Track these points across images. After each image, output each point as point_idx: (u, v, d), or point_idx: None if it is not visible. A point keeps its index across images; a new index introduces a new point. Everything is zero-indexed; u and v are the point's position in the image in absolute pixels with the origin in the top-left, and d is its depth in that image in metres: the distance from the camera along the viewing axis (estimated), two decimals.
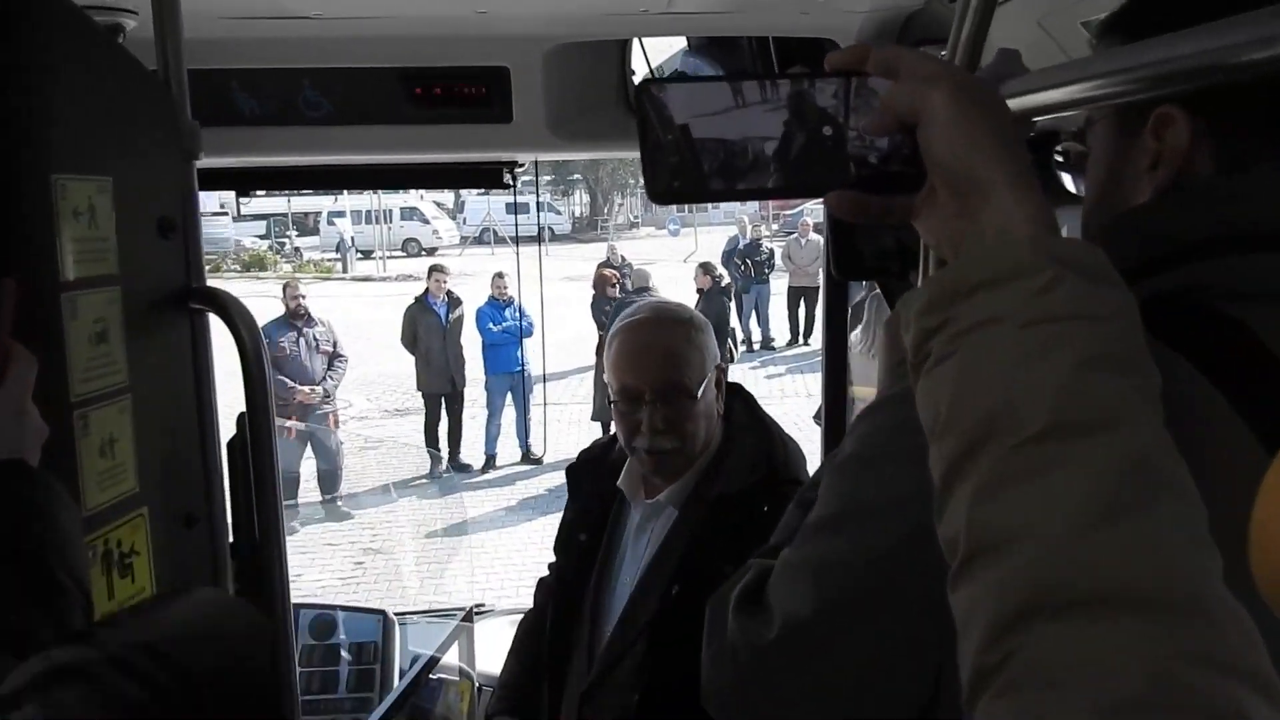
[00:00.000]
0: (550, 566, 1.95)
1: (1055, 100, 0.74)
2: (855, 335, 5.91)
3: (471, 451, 9.15)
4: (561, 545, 1.88)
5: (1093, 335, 0.56)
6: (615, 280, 10.06)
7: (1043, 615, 0.49)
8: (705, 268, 11.00)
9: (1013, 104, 0.75)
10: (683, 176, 0.67)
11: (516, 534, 7.26)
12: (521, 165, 2.42)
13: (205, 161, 1.28)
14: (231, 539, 1.29)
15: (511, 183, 2.41)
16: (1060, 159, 0.94)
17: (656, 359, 1.70)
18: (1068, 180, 0.95)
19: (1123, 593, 0.49)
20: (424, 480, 8.21)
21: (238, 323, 1.21)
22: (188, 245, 1.22)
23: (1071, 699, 0.47)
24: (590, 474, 1.88)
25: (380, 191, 25.85)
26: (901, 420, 0.71)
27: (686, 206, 38.11)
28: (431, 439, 9.04)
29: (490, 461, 8.97)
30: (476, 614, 2.53)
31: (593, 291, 10.72)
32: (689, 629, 1.62)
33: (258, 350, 1.21)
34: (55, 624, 0.79)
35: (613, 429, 1.86)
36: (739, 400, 1.84)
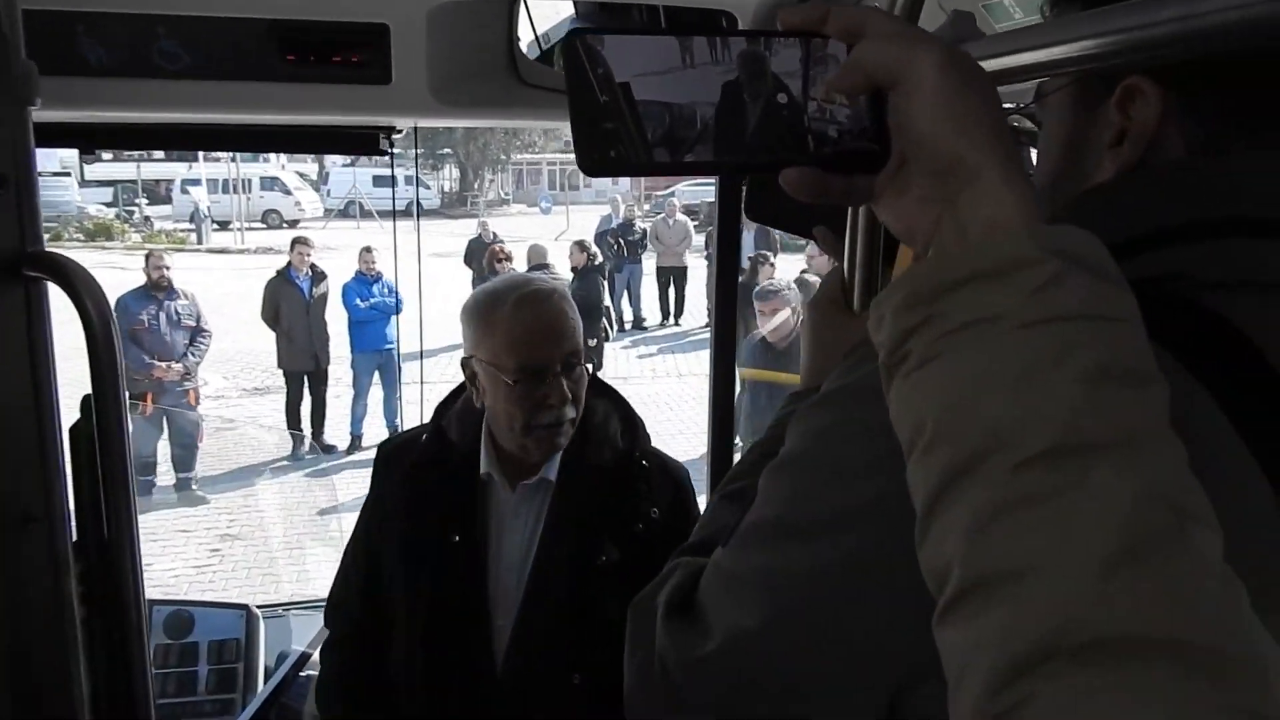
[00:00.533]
0: (344, 588, 1.82)
1: (1015, 64, 0.68)
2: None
3: (336, 432, 8.85)
4: (409, 554, 1.70)
5: (1103, 339, 0.49)
6: (503, 256, 9.88)
7: (1062, 658, 0.43)
8: (581, 246, 10.90)
9: None
10: (620, 145, 0.57)
11: None
12: (400, 131, 2.29)
13: (45, 115, 1.13)
14: (75, 537, 1.15)
15: (389, 149, 2.28)
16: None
17: (560, 331, 1.68)
18: None
19: (1156, 636, 0.43)
20: (286, 462, 7.90)
21: (82, 294, 1.07)
22: (21, 204, 1.06)
23: None
24: (416, 475, 1.74)
25: (239, 159, 24.85)
26: (853, 419, 0.66)
27: (558, 184, 38.00)
28: (293, 419, 8.72)
29: (356, 443, 8.70)
30: None
31: (470, 269, 10.54)
32: (602, 604, 1.63)
33: (106, 325, 1.07)
34: None
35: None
36: None
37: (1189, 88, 0.67)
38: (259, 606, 2.35)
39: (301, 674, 2.16)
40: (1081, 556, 0.45)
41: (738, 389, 5.77)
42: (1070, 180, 0.74)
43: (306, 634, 2.44)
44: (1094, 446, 0.46)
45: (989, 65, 0.69)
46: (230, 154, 25.84)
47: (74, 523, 1.15)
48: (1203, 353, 0.60)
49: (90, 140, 1.99)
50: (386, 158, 2.27)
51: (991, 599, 0.47)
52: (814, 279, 8.75)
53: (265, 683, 2.14)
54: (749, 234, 13.97)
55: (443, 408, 1.83)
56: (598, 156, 0.57)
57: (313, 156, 34.76)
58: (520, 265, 10.41)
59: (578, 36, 0.57)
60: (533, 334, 1.66)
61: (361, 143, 2.22)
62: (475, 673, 1.66)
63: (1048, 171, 0.77)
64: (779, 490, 0.70)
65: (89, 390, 1.13)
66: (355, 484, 7.70)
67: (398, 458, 1.78)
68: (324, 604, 2.45)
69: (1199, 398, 0.58)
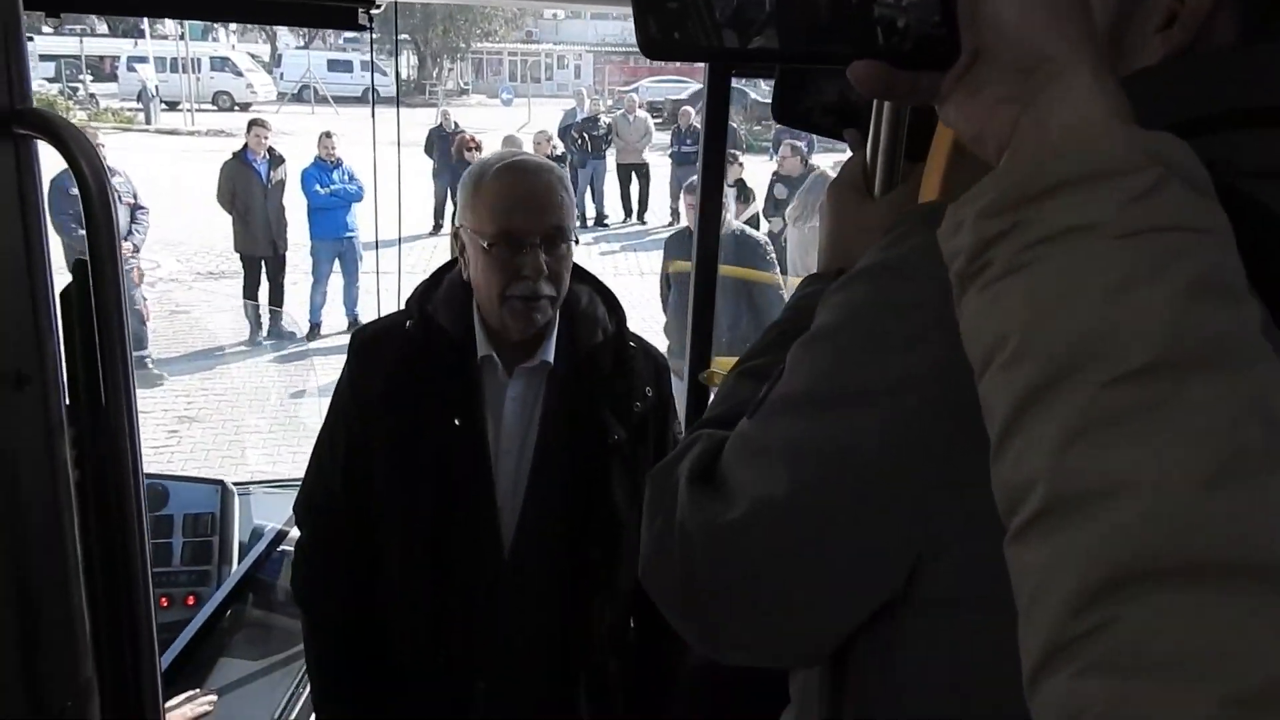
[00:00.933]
0: (321, 487, 1.76)
1: None
2: (792, 207, 5.89)
3: (294, 319, 8.77)
4: (405, 444, 1.67)
5: (1200, 253, 0.47)
6: (474, 145, 9.72)
7: (1152, 581, 0.42)
8: (544, 137, 10.74)
9: None
10: (688, 24, 0.52)
11: None
12: (379, 6, 2.22)
13: None
14: (68, 402, 1.14)
15: (368, 25, 2.22)
16: None
17: (543, 203, 1.64)
18: None
19: (1257, 560, 0.41)
20: (243, 347, 7.83)
21: (75, 152, 1.04)
22: (9, 59, 1.03)
23: (1190, 684, 0.40)
24: (406, 364, 1.70)
25: (188, 38, 23.91)
26: (892, 293, 0.66)
27: (518, 75, 37.11)
28: (250, 304, 8.63)
29: (315, 330, 8.63)
30: None
31: (430, 159, 10.34)
32: (606, 482, 1.68)
33: (101, 185, 1.05)
34: None
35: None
36: None
37: None
38: (234, 484, 2.37)
39: (277, 550, 2.19)
40: (1177, 475, 0.43)
41: (666, 285, 5.70)
42: (1114, 66, 0.73)
43: (277, 511, 2.46)
44: (1192, 362, 0.45)
45: None
46: (179, 32, 24.88)
47: (66, 388, 1.14)
48: (1242, 236, 0.61)
49: (56, 2, 1.92)
50: (340, 42, 2.21)
51: (1079, 516, 0.45)
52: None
53: (239, 557, 2.16)
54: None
55: (424, 294, 1.77)
56: (661, 36, 0.53)
57: (264, 37, 33.55)
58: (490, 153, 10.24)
59: None
60: (514, 201, 1.63)
61: (338, 16, 2.15)
62: (483, 557, 1.67)
63: None
64: (811, 363, 0.71)
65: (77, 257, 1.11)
66: (314, 371, 7.67)
67: (377, 348, 1.72)
68: (293, 484, 2.46)
69: None
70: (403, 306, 1.83)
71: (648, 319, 9.14)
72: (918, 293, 0.63)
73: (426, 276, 1.81)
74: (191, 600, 2.15)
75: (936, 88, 0.57)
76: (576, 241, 1.70)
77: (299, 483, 2.48)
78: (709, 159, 2.22)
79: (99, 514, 1.19)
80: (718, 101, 2.15)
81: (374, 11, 2.19)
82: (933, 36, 0.54)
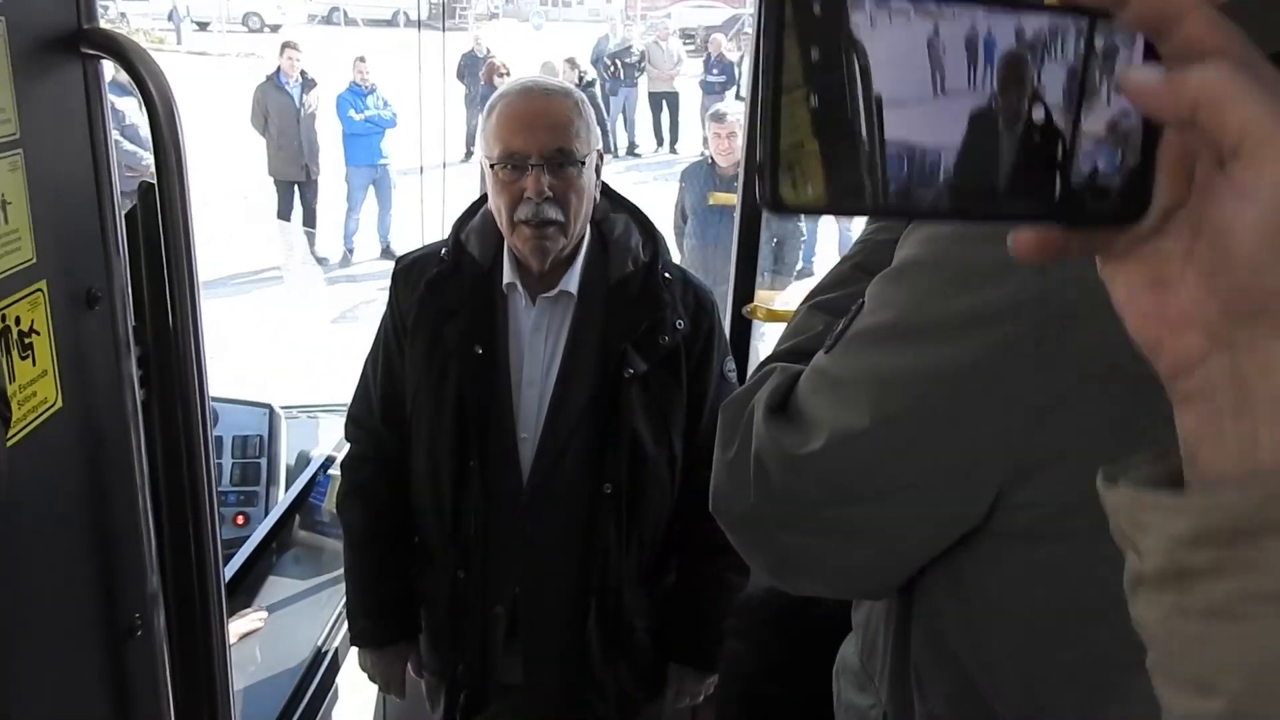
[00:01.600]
0: (364, 405, 1.85)
1: None
2: None
3: (328, 245, 8.79)
4: (431, 367, 1.72)
5: None
6: (503, 71, 9.62)
7: None
8: (571, 63, 10.57)
9: None
10: (858, 178, 0.37)
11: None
12: None
13: None
14: (133, 322, 1.16)
15: None
16: None
17: (546, 124, 1.63)
18: None
19: None
20: (276, 271, 7.86)
21: (142, 73, 1.05)
22: None
23: None
24: (436, 288, 1.73)
25: None
26: (971, 230, 0.66)
27: (551, 0, 36.50)
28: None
29: (348, 256, 8.66)
30: None
31: (463, 85, 10.25)
32: (628, 415, 1.69)
33: (169, 106, 1.06)
34: None
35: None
36: (603, 187, 1.81)
37: None
38: (281, 407, 2.41)
39: (324, 474, 2.22)
40: None
41: (681, 217, 5.62)
42: None
43: (317, 436, 2.50)
44: None
45: None
46: None
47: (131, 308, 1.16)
48: None
49: None
50: None
51: None
52: None
53: (296, 479, 2.21)
54: (748, 62, 13.58)
55: (461, 222, 1.80)
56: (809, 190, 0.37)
57: None
58: None
59: None
60: (518, 122, 1.63)
61: None
62: (503, 484, 1.71)
63: None
64: (897, 294, 0.71)
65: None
66: (347, 296, 7.70)
67: (415, 272, 1.76)
68: (332, 408, 2.50)
69: None
70: (420, 236, 1.87)
71: (676, 250, 9.12)
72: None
73: (467, 207, 1.82)
74: (241, 520, 2.20)
75: (1107, 244, 0.42)
76: (599, 170, 1.70)
77: (338, 407, 2.51)
78: (756, 92, 2.19)
79: (164, 432, 1.22)
80: (771, 25, 2.11)
81: None
82: (1123, 185, 0.40)
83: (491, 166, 1.65)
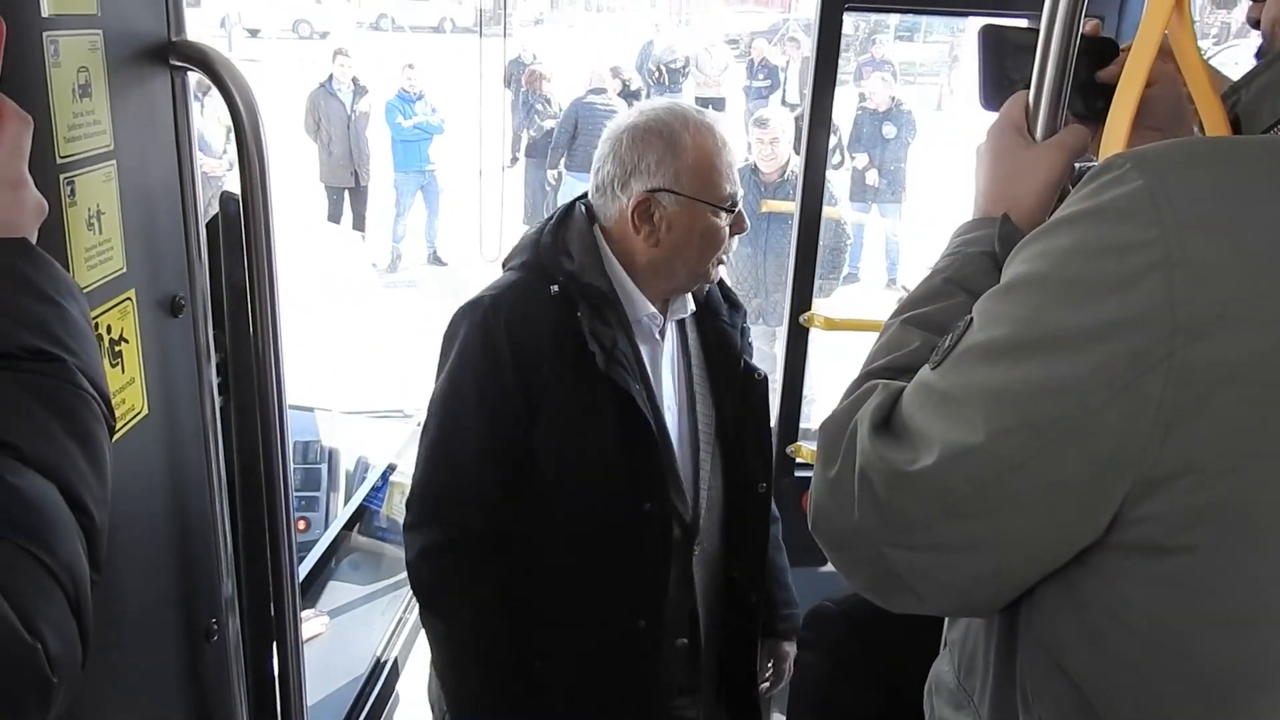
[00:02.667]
0: (465, 481, 1.59)
1: None
2: None
3: (378, 251, 8.87)
4: (590, 419, 1.57)
5: None
6: (546, 77, 9.66)
7: None
8: (614, 72, 10.47)
9: None
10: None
11: (429, 334, 7.12)
12: None
13: None
14: (213, 330, 1.17)
15: None
16: None
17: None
18: None
19: None
20: (329, 276, 7.93)
21: (230, 86, 1.06)
22: None
23: None
24: (566, 324, 1.56)
25: None
26: (1101, 237, 0.65)
27: (595, 6, 36.63)
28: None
29: (396, 260, 8.74)
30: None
31: (511, 91, 10.29)
32: (761, 413, 1.75)
33: (254, 119, 1.07)
34: (80, 434, 0.68)
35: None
36: None
37: None
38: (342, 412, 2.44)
39: (385, 481, 2.24)
40: None
41: None
42: None
43: (376, 441, 2.51)
44: None
45: None
46: None
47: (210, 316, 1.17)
48: None
49: None
50: None
51: None
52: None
53: (357, 486, 2.22)
54: (794, 68, 13.55)
55: (557, 254, 1.60)
56: None
57: None
58: (561, 86, 10.17)
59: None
60: (727, 165, 1.60)
61: None
62: (673, 517, 1.62)
63: None
64: (1013, 310, 0.70)
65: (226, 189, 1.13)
66: (395, 301, 7.77)
67: (528, 317, 1.56)
68: (386, 414, 2.51)
69: None
70: (504, 255, 1.70)
71: None
72: (1137, 235, 0.63)
73: (538, 232, 1.66)
74: (303, 525, 2.22)
75: None
76: None
77: (393, 413, 2.51)
78: (817, 98, 2.18)
79: (241, 439, 1.23)
80: (830, 38, 2.10)
81: None
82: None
83: (728, 210, 1.59)
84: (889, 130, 8.26)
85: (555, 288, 1.56)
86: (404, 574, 1.99)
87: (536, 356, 1.54)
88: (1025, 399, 0.67)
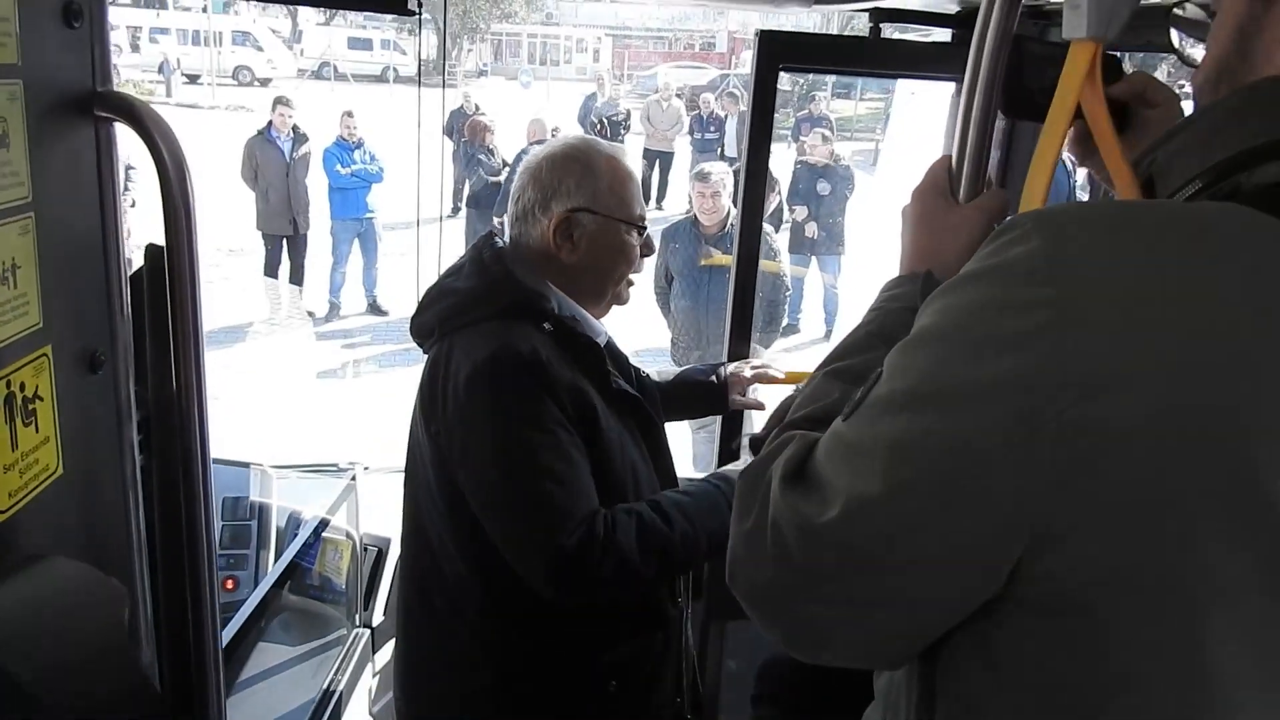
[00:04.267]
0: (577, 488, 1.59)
1: None
2: None
3: (315, 300, 8.77)
4: (611, 435, 1.69)
5: None
6: (490, 128, 9.66)
7: None
8: (538, 125, 10.41)
9: None
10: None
11: (367, 385, 7.05)
12: None
13: None
14: (136, 387, 1.14)
15: (418, 9, 2.21)
16: (1177, 18, 0.89)
17: None
18: (1176, 40, 0.91)
19: None
20: (263, 326, 7.83)
21: (155, 136, 1.04)
22: (94, 40, 1.02)
23: None
24: (571, 354, 1.65)
25: (210, 10, 23.91)
26: (1003, 295, 0.66)
27: (537, 57, 37.01)
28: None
29: (334, 310, 8.64)
30: (363, 470, 2.42)
31: (452, 141, 10.28)
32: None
33: (180, 171, 1.05)
34: None
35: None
36: None
37: None
38: (271, 466, 2.37)
39: (317, 538, 2.18)
40: None
41: (665, 278, 5.58)
42: (1236, 72, 0.74)
43: (310, 496, 2.46)
44: None
45: None
46: (202, 5, 24.85)
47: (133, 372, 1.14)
48: None
49: None
50: (360, 20, 2.19)
51: None
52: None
53: (289, 543, 2.16)
54: (732, 122, 13.76)
55: (539, 296, 1.65)
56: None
57: (285, 13, 33.51)
58: (507, 138, 10.21)
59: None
60: (638, 186, 1.76)
61: (388, 0, 2.14)
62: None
63: (1215, 60, 0.77)
64: (916, 362, 0.71)
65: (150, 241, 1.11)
66: (335, 351, 7.67)
67: (547, 358, 1.58)
68: (330, 468, 2.46)
69: None
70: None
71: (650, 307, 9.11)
72: (1033, 295, 0.64)
73: (484, 277, 1.67)
74: (230, 584, 2.15)
75: None
76: None
77: (328, 468, 2.45)
78: (753, 152, 2.20)
79: (164, 499, 1.19)
80: (765, 95, 2.13)
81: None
82: None
83: (639, 230, 1.74)
84: (823, 187, 8.42)
85: (548, 325, 1.63)
86: (339, 631, 1.94)
87: (572, 392, 1.59)
88: (923, 452, 0.68)
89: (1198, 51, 0.85)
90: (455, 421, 1.58)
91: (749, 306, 2.28)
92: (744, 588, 0.79)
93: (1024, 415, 0.63)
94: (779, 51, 2.05)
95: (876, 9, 2.06)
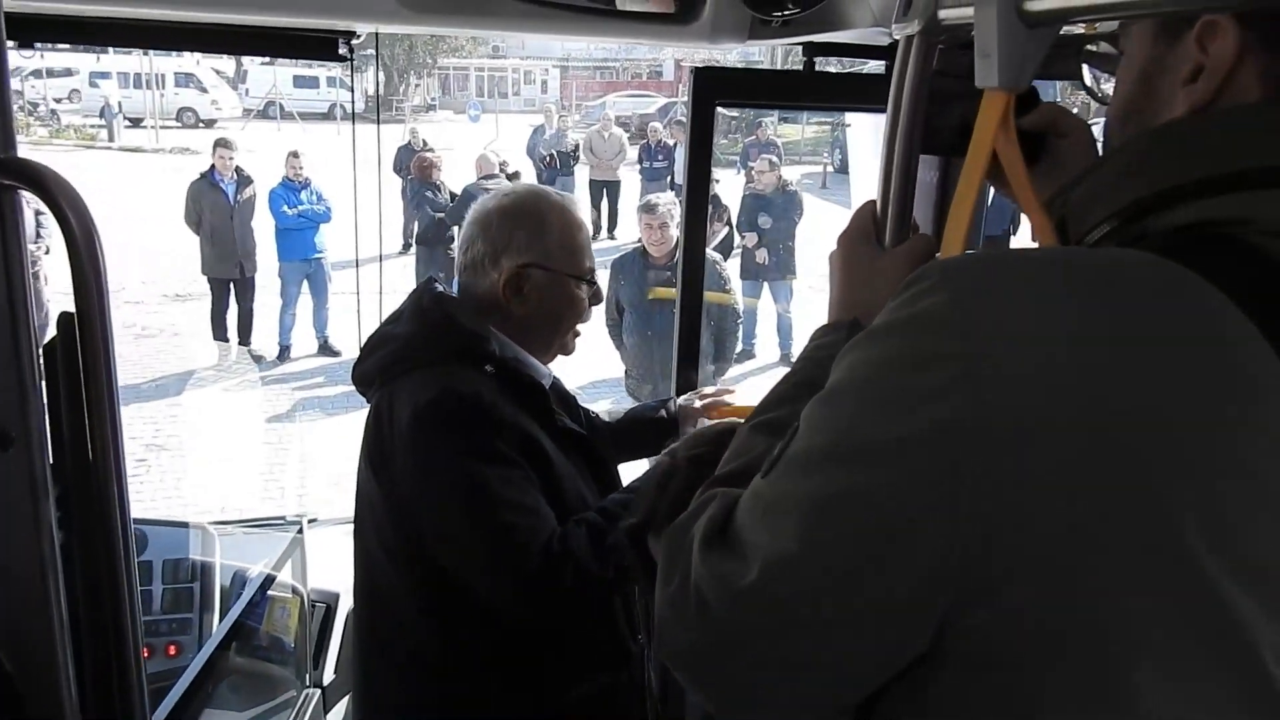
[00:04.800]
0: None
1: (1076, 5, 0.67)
2: None
3: (264, 343, 8.66)
4: (563, 462, 1.73)
5: None
6: (437, 164, 9.60)
7: None
8: (483, 160, 10.25)
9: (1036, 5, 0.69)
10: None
11: (321, 431, 6.94)
12: (359, 36, 2.19)
13: None
14: (52, 460, 1.09)
15: (349, 55, 2.18)
16: (1089, 54, 0.90)
17: None
18: (1089, 77, 0.91)
19: None
20: (212, 372, 7.71)
21: (62, 203, 1.00)
22: None
23: None
24: (516, 397, 1.68)
25: (152, 53, 23.70)
26: (915, 347, 0.66)
27: (485, 90, 37.09)
28: (218, 327, 8.48)
29: (284, 353, 8.53)
30: (308, 523, 2.36)
31: (400, 177, 10.20)
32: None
33: (89, 238, 1.01)
34: None
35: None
36: None
37: (1268, 27, 0.67)
38: (211, 524, 2.31)
39: (264, 596, 2.12)
40: None
41: (616, 310, 5.57)
42: (1143, 113, 0.74)
43: (255, 551, 2.40)
44: None
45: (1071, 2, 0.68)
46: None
47: (50, 445, 1.09)
48: (1260, 298, 0.61)
49: (30, 31, 1.87)
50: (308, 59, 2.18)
51: None
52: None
53: (234, 603, 2.10)
54: (681, 150, 13.86)
55: (481, 339, 1.65)
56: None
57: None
58: (455, 173, 10.15)
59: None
60: (587, 239, 1.78)
61: (319, 47, 2.12)
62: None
63: (1122, 100, 0.77)
64: (830, 418, 0.70)
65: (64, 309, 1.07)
66: (285, 396, 7.56)
67: (491, 401, 1.58)
68: (276, 522, 2.40)
69: (1255, 345, 0.60)
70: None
71: (601, 338, 9.10)
72: (943, 347, 0.63)
73: (459, 326, 1.67)
74: (173, 650, 2.08)
75: None
76: None
77: (274, 521, 2.40)
78: (693, 183, 2.19)
79: (85, 576, 1.14)
80: (701, 128, 2.13)
81: (354, 42, 2.16)
82: None
83: (588, 283, 1.75)
84: (764, 220, 8.47)
85: (490, 367, 1.62)
86: (289, 693, 1.89)
87: (518, 431, 1.59)
88: (841, 510, 0.66)
89: (1110, 86, 0.86)
90: (406, 469, 1.57)
91: (695, 338, 2.27)
92: (670, 650, 0.77)
93: (944, 470, 0.62)
94: (715, 87, 2.05)
95: (810, 43, 2.07)
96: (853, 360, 0.71)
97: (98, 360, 1.05)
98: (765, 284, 8.68)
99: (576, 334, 1.81)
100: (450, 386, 1.57)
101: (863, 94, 2.12)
